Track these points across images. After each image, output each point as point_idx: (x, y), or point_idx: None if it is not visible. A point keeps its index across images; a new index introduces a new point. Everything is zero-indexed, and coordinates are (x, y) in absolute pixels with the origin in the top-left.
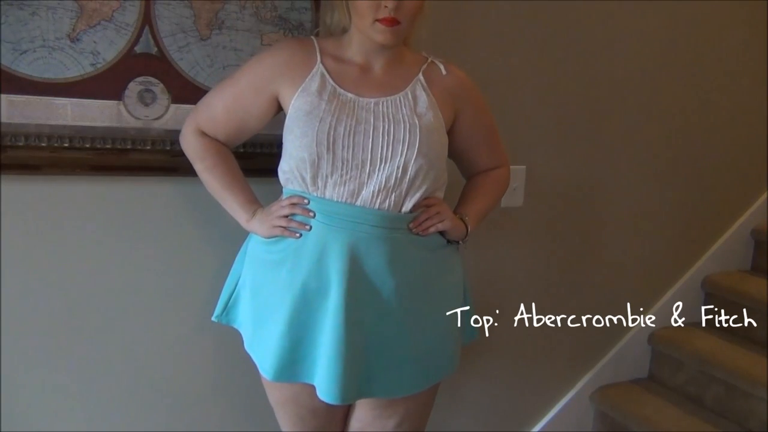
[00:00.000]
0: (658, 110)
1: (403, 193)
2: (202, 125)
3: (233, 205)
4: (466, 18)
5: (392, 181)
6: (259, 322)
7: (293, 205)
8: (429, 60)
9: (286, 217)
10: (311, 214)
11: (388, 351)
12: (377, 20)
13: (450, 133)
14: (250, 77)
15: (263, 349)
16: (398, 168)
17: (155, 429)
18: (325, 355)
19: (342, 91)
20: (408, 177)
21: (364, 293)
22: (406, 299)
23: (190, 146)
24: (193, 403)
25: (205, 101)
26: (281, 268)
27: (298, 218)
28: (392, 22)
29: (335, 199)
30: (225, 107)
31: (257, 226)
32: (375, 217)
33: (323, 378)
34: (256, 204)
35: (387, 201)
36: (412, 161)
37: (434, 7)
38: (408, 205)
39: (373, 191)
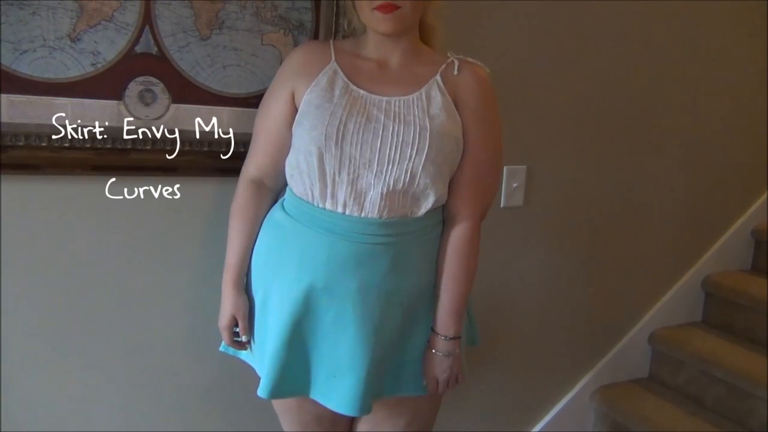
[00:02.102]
0: (658, 111)
1: (411, 197)
2: (250, 164)
3: (225, 277)
4: (469, 18)
5: (400, 185)
6: (260, 335)
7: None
8: (449, 60)
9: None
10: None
11: (396, 352)
12: (375, 9)
13: None
14: (273, 88)
15: (261, 365)
16: (406, 172)
17: (157, 429)
18: (345, 369)
19: (354, 87)
20: (417, 182)
21: (370, 300)
22: (409, 301)
23: (235, 198)
24: (195, 404)
25: (252, 138)
26: (284, 277)
27: (301, 224)
28: (389, 8)
29: (342, 200)
30: (262, 128)
31: (223, 305)
32: (380, 227)
33: (342, 391)
34: (237, 288)
35: (396, 203)
36: (421, 166)
37: (438, 5)
38: (420, 210)
39: (382, 193)
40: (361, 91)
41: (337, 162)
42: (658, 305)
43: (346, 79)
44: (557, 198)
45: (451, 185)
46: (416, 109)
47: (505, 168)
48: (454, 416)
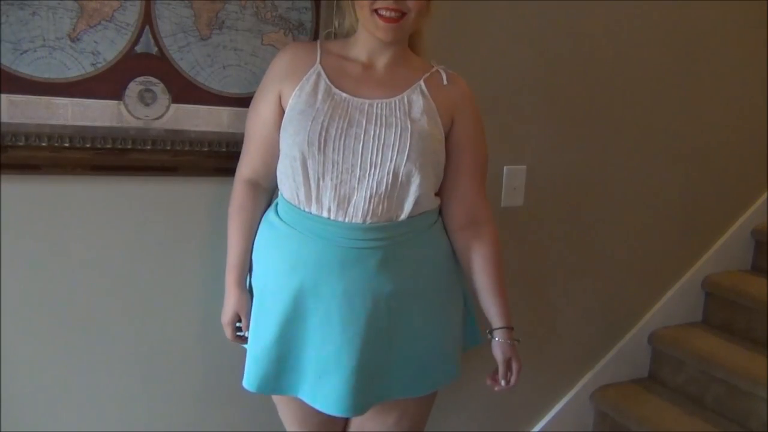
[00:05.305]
0: (659, 110)
1: (396, 200)
2: (243, 166)
3: (228, 276)
4: (466, 17)
5: (383, 188)
6: (254, 329)
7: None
8: (434, 69)
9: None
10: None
11: (383, 356)
12: (377, 14)
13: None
14: (262, 90)
15: (249, 358)
16: (388, 174)
17: (158, 428)
18: (331, 370)
19: (336, 90)
20: (399, 183)
21: (356, 302)
22: (400, 304)
23: (232, 199)
24: (195, 403)
25: (244, 139)
26: (277, 276)
27: (293, 227)
28: (394, 19)
29: (326, 205)
30: (253, 130)
31: (226, 302)
32: (365, 232)
33: (328, 391)
34: (240, 286)
35: (380, 207)
36: (402, 167)
37: (434, 6)
38: (403, 213)
39: (365, 197)
40: (344, 95)
41: (320, 167)
42: (658, 305)
43: (328, 82)
44: (557, 198)
45: (466, 193)
46: (398, 111)
47: (505, 168)
48: (455, 416)
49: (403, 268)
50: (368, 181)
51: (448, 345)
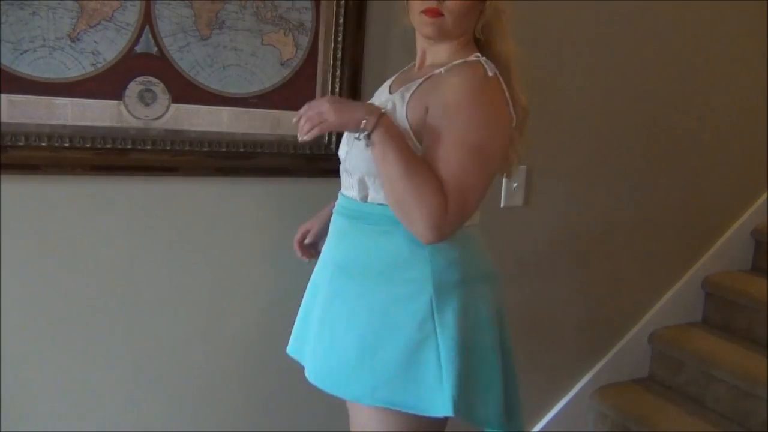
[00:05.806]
0: (659, 110)
1: (366, 185)
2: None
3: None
4: None
5: (359, 187)
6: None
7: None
8: (451, 64)
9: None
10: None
11: (314, 333)
12: (422, 12)
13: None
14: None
15: None
16: (359, 181)
17: (158, 428)
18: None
19: (377, 92)
20: (362, 174)
21: (321, 269)
22: (340, 278)
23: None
24: (196, 404)
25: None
26: None
27: None
28: (434, 13)
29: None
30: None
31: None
32: (348, 203)
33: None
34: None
35: (352, 191)
36: (367, 174)
37: (504, 6)
38: (374, 197)
39: (352, 184)
40: (379, 99)
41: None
42: (658, 305)
43: (387, 84)
44: (557, 198)
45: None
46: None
47: None
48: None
49: (356, 244)
50: (351, 180)
51: (363, 360)
